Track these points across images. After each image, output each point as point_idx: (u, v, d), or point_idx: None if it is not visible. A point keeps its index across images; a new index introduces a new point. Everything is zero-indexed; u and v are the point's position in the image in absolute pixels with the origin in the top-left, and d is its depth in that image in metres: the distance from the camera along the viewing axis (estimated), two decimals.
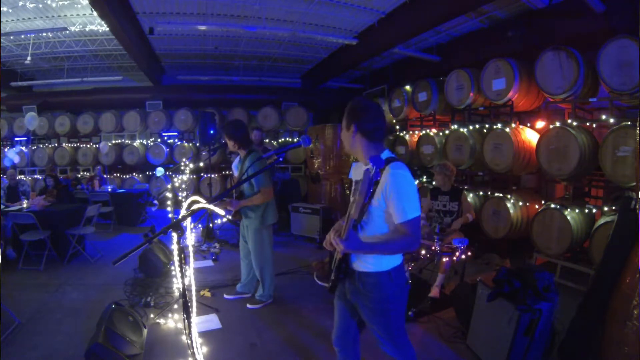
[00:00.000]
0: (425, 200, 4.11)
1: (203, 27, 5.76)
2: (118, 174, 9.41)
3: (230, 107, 9.60)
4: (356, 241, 1.61)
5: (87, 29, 6.49)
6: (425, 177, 6.74)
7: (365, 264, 1.74)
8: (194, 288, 3.04)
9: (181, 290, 1.82)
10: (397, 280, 1.76)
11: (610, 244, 2.60)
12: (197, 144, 9.29)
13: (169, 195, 5.30)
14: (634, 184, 3.61)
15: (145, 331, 2.94)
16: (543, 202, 4.77)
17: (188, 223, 3.63)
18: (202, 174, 9.09)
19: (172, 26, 5.83)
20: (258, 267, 3.60)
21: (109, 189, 7.50)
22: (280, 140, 9.64)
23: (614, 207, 4.00)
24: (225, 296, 3.81)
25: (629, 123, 3.67)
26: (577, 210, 4.31)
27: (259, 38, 7.05)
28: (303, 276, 4.54)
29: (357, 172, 1.83)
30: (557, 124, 4.31)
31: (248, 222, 3.53)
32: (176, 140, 9.49)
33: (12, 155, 8.91)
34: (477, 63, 5.47)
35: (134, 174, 9.49)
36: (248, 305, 3.61)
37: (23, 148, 9.41)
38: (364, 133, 1.71)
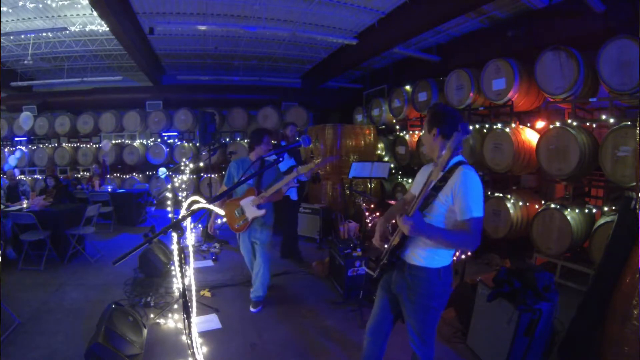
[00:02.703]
0: None
1: (203, 27, 5.76)
2: (118, 174, 9.41)
3: (230, 107, 9.60)
4: (422, 221, 1.68)
5: (87, 29, 6.49)
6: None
7: (418, 257, 1.84)
8: (194, 288, 3.04)
9: (181, 290, 1.82)
10: (444, 279, 1.84)
11: (610, 244, 2.60)
12: (197, 144, 9.29)
13: (169, 195, 5.31)
14: (634, 184, 3.61)
15: (145, 331, 2.94)
16: (543, 202, 4.77)
17: (188, 223, 3.63)
18: (202, 174, 9.10)
19: (172, 26, 5.83)
20: (269, 268, 3.61)
21: (109, 189, 7.50)
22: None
23: (614, 207, 4.00)
24: (252, 310, 3.61)
25: (629, 123, 3.67)
26: (577, 210, 4.31)
27: (259, 38, 7.05)
28: (303, 276, 4.55)
29: (426, 170, 1.99)
30: (557, 124, 4.31)
31: (262, 221, 3.52)
32: (176, 140, 9.49)
33: (13, 161, 8.90)
34: (477, 63, 5.47)
35: (134, 174, 9.49)
36: (252, 309, 3.57)
37: (23, 148, 9.41)
38: (444, 136, 1.84)
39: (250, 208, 3.35)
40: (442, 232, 1.75)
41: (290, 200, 4.84)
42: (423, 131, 2.02)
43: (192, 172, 8.62)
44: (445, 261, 1.85)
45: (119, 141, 9.48)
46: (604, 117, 4.16)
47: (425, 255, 1.82)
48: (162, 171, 8.37)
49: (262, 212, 3.34)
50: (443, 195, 1.76)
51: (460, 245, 1.83)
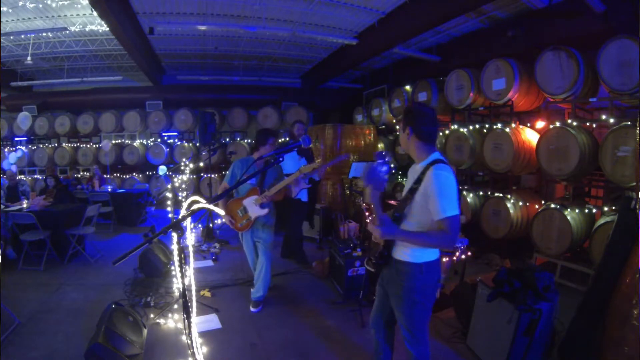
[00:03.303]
0: None
1: (203, 27, 5.76)
2: (118, 174, 9.41)
3: (230, 107, 9.60)
4: (391, 227, 1.76)
5: (87, 29, 6.49)
6: None
7: (402, 253, 1.90)
8: (194, 288, 3.04)
9: (181, 290, 1.82)
10: (427, 274, 1.87)
11: (610, 244, 2.60)
12: (197, 144, 9.29)
13: (169, 195, 5.30)
14: (634, 184, 3.61)
15: (145, 331, 2.94)
16: (543, 202, 4.77)
17: (188, 223, 3.63)
18: (202, 174, 9.10)
19: (172, 26, 5.83)
20: (269, 270, 3.59)
21: (109, 189, 7.50)
22: (280, 140, 9.64)
23: (614, 207, 4.00)
24: (252, 310, 3.62)
25: (629, 123, 3.67)
26: (577, 210, 4.31)
27: (259, 38, 7.05)
28: (303, 276, 4.55)
29: (413, 170, 1.99)
30: (557, 124, 4.31)
31: (264, 221, 3.52)
32: (176, 140, 9.49)
33: (13, 158, 8.89)
34: (477, 63, 5.47)
35: (134, 174, 9.49)
36: (252, 309, 3.57)
37: (23, 148, 9.41)
38: (418, 135, 1.86)
39: (253, 207, 3.37)
40: (414, 235, 1.82)
41: (300, 202, 4.78)
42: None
43: (192, 172, 8.62)
44: (429, 257, 1.88)
45: (119, 141, 9.48)
46: (604, 117, 4.16)
47: (409, 251, 1.87)
48: (162, 169, 8.37)
49: (265, 211, 3.34)
50: (418, 197, 1.82)
51: (438, 244, 1.84)
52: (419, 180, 1.82)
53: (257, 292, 3.60)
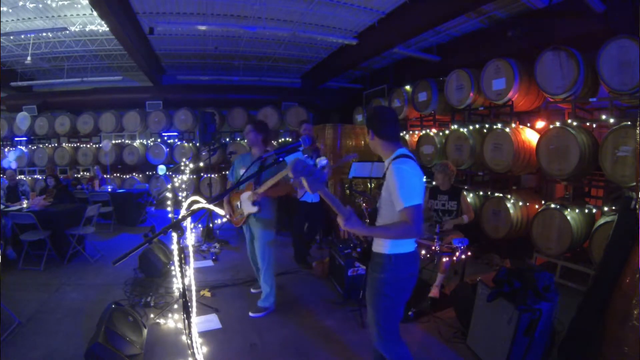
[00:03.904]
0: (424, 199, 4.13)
1: (203, 27, 5.76)
2: (118, 174, 9.41)
3: (230, 107, 9.61)
4: (356, 222, 1.79)
5: (87, 29, 6.49)
6: (425, 177, 6.74)
7: (378, 246, 1.97)
8: (194, 288, 3.04)
9: (181, 290, 1.82)
10: (397, 266, 1.90)
11: (610, 243, 2.60)
12: (197, 144, 9.30)
13: (169, 195, 5.31)
14: (634, 184, 3.61)
15: (145, 331, 2.94)
16: (543, 202, 4.77)
17: (188, 223, 3.63)
18: (202, 174, 9.10)
19: (172, 26, 5.84)
20: (268, 270, 3.48)
21: (109, 189, 7.50)
22: (280, 140, 9.64)
23: (614, 207, 4.00)
24: (251, 315, 3.54)
25: (629, 123, 3.67)
26: (577, 210, 4.31)
27: (259, 38, 7.05)
28: (303, 276, 4.54)
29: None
30: (557, 124, 4.32)
31: (257, 217, 3.45)
32: (176, 140, 9.49)
33: (13, 157, 8.90)
34: (477, 63, 5.47)
35: (134, 174, 9.50)
36: (251, 314, 3.49)
37: (23, 148, 9.41)
38: (379, 136, 1.97)
39: (246, 203, 3.35)
40: (373, 229, 1.94)
41: (306, 203, 4.72)
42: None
43: (192, 172, 8.62)
44: (401, 249, 1.90)
45: (119, 141, 9.48)
46: (604, 117, 4.16)
47: (383, 243, 1.93)
48: (162, 168, 8.37)
49: (255, 208, 3.29)
50: (384, 192, 1.93)
51: (402, 235, 1.84)
52: (384, 176, 1.94)
53: (262, 302, 3.53)
